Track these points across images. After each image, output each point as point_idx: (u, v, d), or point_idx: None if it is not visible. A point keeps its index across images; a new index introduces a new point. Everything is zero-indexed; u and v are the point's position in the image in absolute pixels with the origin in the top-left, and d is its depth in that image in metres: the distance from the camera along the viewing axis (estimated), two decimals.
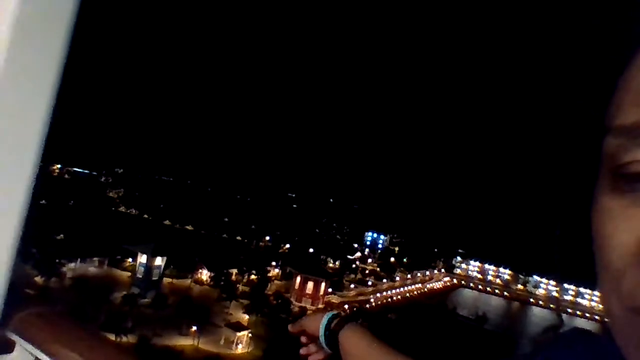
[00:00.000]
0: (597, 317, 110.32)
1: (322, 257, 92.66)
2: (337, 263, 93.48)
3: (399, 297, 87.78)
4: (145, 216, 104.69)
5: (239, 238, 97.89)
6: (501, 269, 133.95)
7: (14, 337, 0.93)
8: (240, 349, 48.30)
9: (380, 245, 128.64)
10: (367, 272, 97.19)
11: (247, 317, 53.96)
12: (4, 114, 0.81)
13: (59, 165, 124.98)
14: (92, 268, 60.27)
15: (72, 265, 57.45)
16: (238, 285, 63.20)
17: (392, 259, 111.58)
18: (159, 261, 58.75)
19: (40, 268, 50.73)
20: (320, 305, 64.64)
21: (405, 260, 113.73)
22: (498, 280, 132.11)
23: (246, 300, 57.74)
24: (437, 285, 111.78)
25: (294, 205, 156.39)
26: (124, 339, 40.92)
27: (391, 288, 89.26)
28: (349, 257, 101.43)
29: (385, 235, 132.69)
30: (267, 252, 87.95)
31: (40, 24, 0.81)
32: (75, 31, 0.84)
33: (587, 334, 0.57)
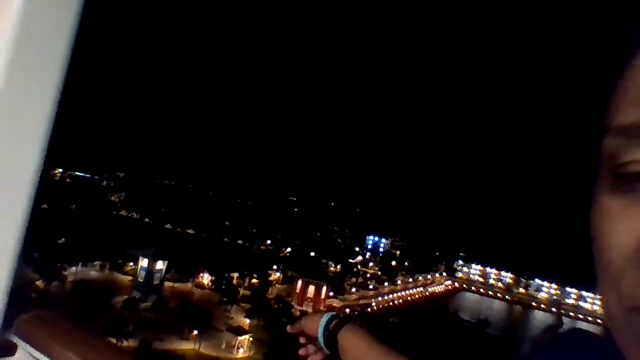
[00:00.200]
0: (599, 321, 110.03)
1: (323, 260, 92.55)
2: (338, 267, 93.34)
3: (401, 300, 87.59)
4: (147, 220, 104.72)
5: (240, 242, 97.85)
6: (503, 273, 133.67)
7: (16, 340, 0.94)
8: (241, 353, 48.21)
9: (381, 249, 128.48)
10: (368, 275, 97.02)
11: (248, 321, 53.87)
12: (7, 116, 0.81)
13: (60, 169, 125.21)
14: (93, 272, 60.24)
15: (73, 269, 57.44)
16: (239, 289, 63.14)
17: (394, 263, 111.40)
18: (160, 265, 58.72)
19: (42, 272, 50.72)
20: (321, 309, 64.47)
21: (406, 263, 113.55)
22: (500, 284, 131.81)
23: (247, 304, 57.66)
24: (439, 289, 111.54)
25: (295, 209, 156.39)
26: (125, 343, 40.86)
27: (393, 292, 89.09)
28: (350, 260, 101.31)
29: (386, 239, 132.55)
30: (268, 255, 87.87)
31: (44, 28, 0.81)
32: (78, 34, 0.85)
33: (586, 334, 0.57)
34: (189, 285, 64.20)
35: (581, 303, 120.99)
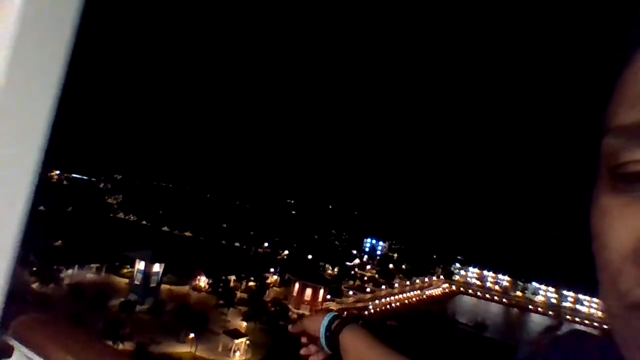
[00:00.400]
0: (595, 324, 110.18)
1: (320, 263, 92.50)
2: (335, 269, 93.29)
3: (398, 303, 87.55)
4: (144, 222, 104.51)
5: (237, 244, 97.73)
6: (500, 276, 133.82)
7: (13, 342, 0.94)
8: (238, 357, 48.10)
9: (379, 252, 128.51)
10: (365, 278, 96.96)
11: (245, 324, 53.77)
12: (6, 117, 0.81)
13: (57, 172, 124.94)
14: (90, 274, 60.05)
15: (70, 271, 57.25)
16: (236, 292, 63.01)
17: (391, 266, 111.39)
18: (157, 268, 58.59)
19: (38, 274, 50.59)
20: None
21: (404, 266, 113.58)
22: (497, 287, 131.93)
23: (244, 307, 57.55)
24: (436, 291, 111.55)
25: (293, 212, 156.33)
26: (122, 345, 40.74)
27: (390, 295, 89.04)
28: (347, 263, 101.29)
29: (384, 242, 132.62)
30: (265, 258, 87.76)
31: (44, 29, 0.81)
32: (78, 36, 0.85)
33: (585, 335, 0.57)
34: (186, 288, 64.06)
35: (578, 306, 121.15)
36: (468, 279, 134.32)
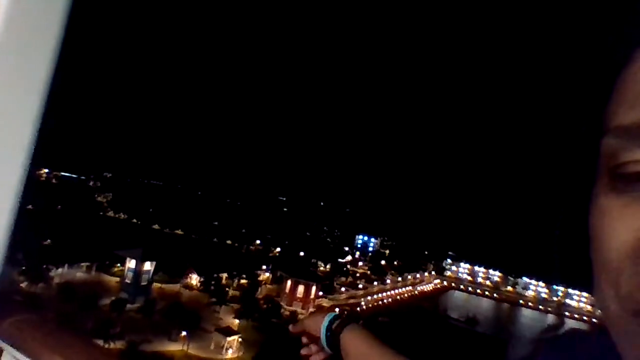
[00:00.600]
0: (585, 318, 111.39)
1: (312, 260, 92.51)
2: (328, 266, 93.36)
3: (390, 300, 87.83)
4: (134, 221, 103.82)
5: (229, 242, 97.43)
6: (491, 271, 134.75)
7: (1, 344, 0.93)
8: (230, 354, 47.95)
9: (371, 248, 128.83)
10: (358, 275, 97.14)
11: (237, 321, 53.63)
12: None
13: (46, 170, 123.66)
14: (79, 273, 59.52)
15: (59, 270, 56.72)
16: (228, 290, 62.81)
17: (383, 262, 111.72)
18: (148, 266, 58.23)
19: (27, 274, 50.03)
20: (311, 309, 64.41)
21: (396, 263, 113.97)
22: (488, 282, 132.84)
23: (236, 304, 57.41)
24: (428, 287, 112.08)
25: (285, 209, 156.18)
26: (113, 345, 40.44)
27: (382, 291, 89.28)
28: (339, 260, 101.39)
29: (376, 239, 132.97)
30: (257, 256, 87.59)
31: (30, 28, 0.80)
32: (65, 35, 0.84)
33: (584, 335, 0.57)
34: (178, 286, 63.75)
35: (567, 301, 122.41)
36: (459, 274, 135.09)
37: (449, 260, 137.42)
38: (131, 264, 57.44)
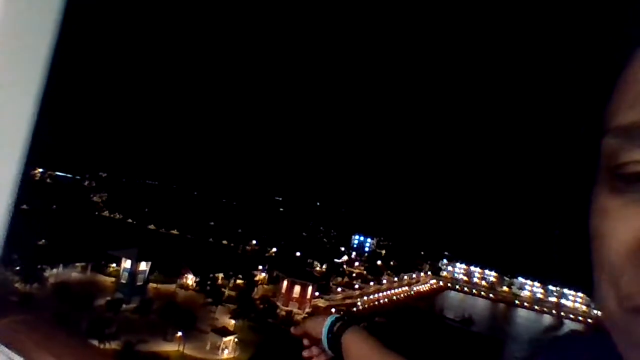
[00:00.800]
0: (580, 318, 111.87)
1: (309, 260, 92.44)
2: (324, 266, 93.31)
3: (386, 300, 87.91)
4: (130, 221, 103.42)
5: (225, 242, 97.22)
6: (487, 271, 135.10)
7: None
8: (226, 355, 47.84)
9: (367, 249, 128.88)
10: (354, 275, 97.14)
11: (233, 322, 53.51)
12: None
13: (40, 170, 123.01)
14: (75, 274, 59.23)
15: (54, 270, 56.44)
16: (224, 290, 62.68)
17: (379, 262, 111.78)
18: (143, 266, 58.03)
19: (22, 274, 49.75)
20: (307, 309, 64.38)
21: (392, 263, 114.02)
22: (483, 282, 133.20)
23: (232, 305, 57.29)
24: (424, 287, 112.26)
25: (281, 209, 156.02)
26: (108, 345, 40.27)
27: (378, 291, 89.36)
28: (336, 260, 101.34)
29: (372, 239, 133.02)
30: (253, 256, 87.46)
31: (25, 27, 0.80)
32: (60, 34, 0.85)
33: (583, 337, 0.57)
34: (173, 286, 63.57)
35: (563, 301, 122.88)
36: (455, 274, 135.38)
37: (444, 261, 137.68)
38: (127, 264, 57.23)
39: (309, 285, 67.88)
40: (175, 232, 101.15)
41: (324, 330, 1.03)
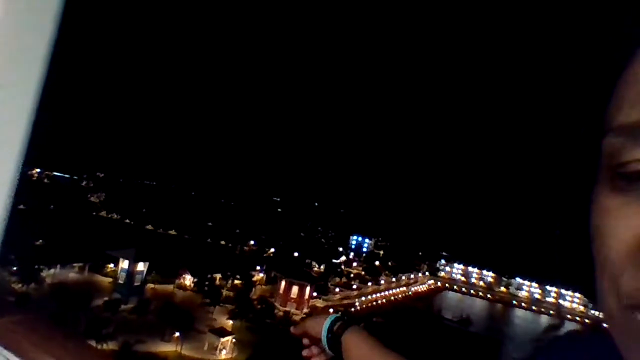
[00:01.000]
0: (577, 318, 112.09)
1: (307, 261, 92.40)
2: (322, 267, 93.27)
3: (384, 300, 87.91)
4: (127, 221, 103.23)
5: (223, 242, 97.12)
6: (484, 272, 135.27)
7: None
8: (224, 355, 47.78)
9: (365, 249, 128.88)
10: (352, 275, 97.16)
11: (231, 322, 53.44)
12: None
13: (38, 170, 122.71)
14: (72, 274, 59.07)
15: (52, 271, 56.28)
16: (222, 290, 62.59)
17: (377, 263, 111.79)
18: (141, 266, 57.91)
19: (19, 274, 49.60)
20: (305, 310, 64.34)
21: (390, 263, 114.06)
22: (481, 283, 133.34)
23: (230, 305, 57.21)
24: (422, 288, 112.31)
25: (279, 209, 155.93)
26: (106, 345, 40.16)
27: (376, 291, 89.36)
28: (334, 261, 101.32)
29: (370, 239, 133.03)
30: (251, 256, 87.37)
31: (23, 28, 0.80)
32: (58, 35, 0.84)
33: (583, 336, 0.57)
34: (171, 286, 63.46)
35: (560, 301, 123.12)
36: (453, 275, 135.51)
37: (442, 261, 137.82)
38: (124, 264, 57.12)
39: (306, 286, 67.85)
40: (173, 232, 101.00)
41: (324, 330, 1.03)
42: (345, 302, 76.80)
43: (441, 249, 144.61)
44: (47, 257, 55.74)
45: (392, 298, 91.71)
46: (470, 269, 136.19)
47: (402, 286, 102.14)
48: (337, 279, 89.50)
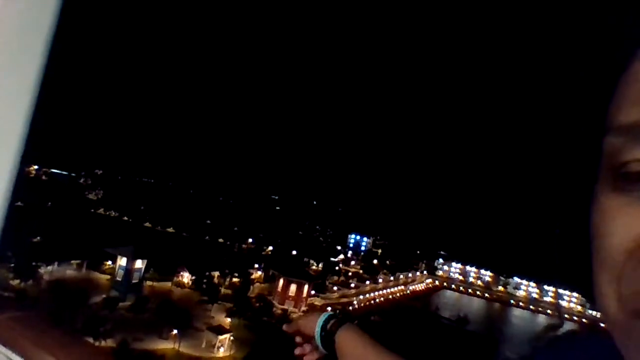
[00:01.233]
0: (575, 318, 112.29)
1: (305, 259, 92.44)
2: (320, 265, 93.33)
3: (382, 299, 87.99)
4: (125, 218, 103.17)
5: (221, 240, 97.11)
6: (482, 271, 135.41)
7: None
8: (222, 353, 47.79)
9: (363, 248, 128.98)
10: (350, 274, 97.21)
11: (229, 320, 53.47)
12: None
13: (36, 167, 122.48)
14: (70, 271, 59.02)
15: (49, 268, 56.21)
16: (220, 288, 62.61)
17: (375, 261, 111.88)
18: (139, 264, 57.88)
19: (17, 271, 49.54)
20: (303, 308, 64.38)
21: (388, 262, 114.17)
22: (479, 282, 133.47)
23: (228, 303, 57.23)
24: (420, 287, 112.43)
25: (277, 208, 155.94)
26: (103, 343, 40.14)
27: (374, 290, 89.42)
28: (332, 259, 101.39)
29: (368, 238, 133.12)
30: (249, 254, 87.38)
31: (21, 25, 0.80)
32: (56, 31, 0.84)
33: (582, 336, 0.57)
34: (169, 284, 63.45)
35: (559, 301, 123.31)
36: (451, 274, 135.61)
37: (440, 260, 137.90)
38: (122, 261, 57.08)
39: (305, 284, 67.88)
40: (171, 230, 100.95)
41: (317, 328, 1.02)
42: (343, 300, 76.86)
43: (439, 248, 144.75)
44: (45, 254, 55.68)
45: (390, 297, 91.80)
46: (468, 268, 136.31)
47: (400, 285, 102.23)
48: (335, 278, 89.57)
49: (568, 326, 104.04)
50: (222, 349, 47.83)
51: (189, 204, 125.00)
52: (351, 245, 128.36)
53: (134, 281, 56.73)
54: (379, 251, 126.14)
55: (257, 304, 58.95)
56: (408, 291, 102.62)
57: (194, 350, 46.47)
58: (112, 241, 62.13)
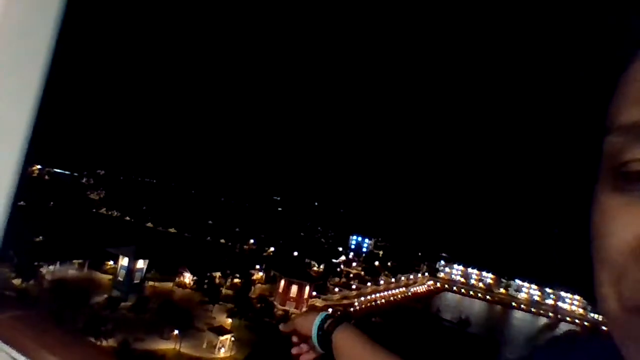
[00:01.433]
0: (577, 321, 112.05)
1: (306, 260, 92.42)
2: (321, 266, 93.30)
3: (383, 300, 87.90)
4: (127, 218, 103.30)
5: (222, 241, 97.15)
6: (484, 273, 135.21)
7: None
8: (222, 353, 47.82)
9: (364, 249, 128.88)
10: (351, 275, 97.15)
11: (230, 320, 53.49)
12: None
13: (39, 166, 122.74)
14: (72, 271, 59.12)
15: (51, 267, 56.31)
16: (221, 289, 62.65)
17: (377, 263, 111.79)
18: (140, 264, 57.95)
19: (19, 271, 49.64)
20: (304, 309, 64.25)
21: (389, 264, 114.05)
22: (480, 284, 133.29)
23: (230, 303, 57.25)
24: (421, 289, 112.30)
25: (279, 209, 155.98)
26: (105, 343, 40.18)
27: (375, 292, 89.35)
28: (333, 260, 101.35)
29: (369, 239, 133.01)
30: (251, 255, 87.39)
31: (25, 24, 0.81)
32: (60, 32, 0.85)
33: (582, 336, 0.57)
34: (170, 284, 63.50)
35: (560, 304, 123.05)
36: (452, 276, 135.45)
37: (442, 262, 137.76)
38: (124, 261, 57.15)
39: (306, 285, 67.86)
40: (173, 230, 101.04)
41: (315, 327, 1.01)
42: (345, 302, 76.83)
43: (441, 250, 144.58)
44: (47, 254, 55.80)
45: (391, 298, 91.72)
46: (469, 270, 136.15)
47: (401, 287, 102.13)
48: (337, 279, 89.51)
49: (568, 328, 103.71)
50: (223, 350, 47.85)
51: (190, 205, 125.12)
52: (353, 246, 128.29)
53: (135, 281, 56.78)
54: (381, 253, 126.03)
55: (258, 305, 58.97)
56: (409, 293, 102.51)
57: (194, 350, 46.49)
58: (114, 241, 62.22)
